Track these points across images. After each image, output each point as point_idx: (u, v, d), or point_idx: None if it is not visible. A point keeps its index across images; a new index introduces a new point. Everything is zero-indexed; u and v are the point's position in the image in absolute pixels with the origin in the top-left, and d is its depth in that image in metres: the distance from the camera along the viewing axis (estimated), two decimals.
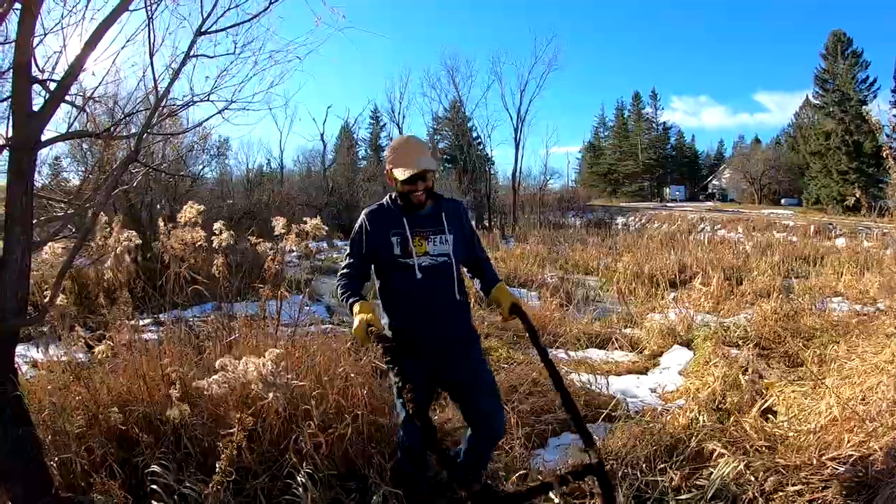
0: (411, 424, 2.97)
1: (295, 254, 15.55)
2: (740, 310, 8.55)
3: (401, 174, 2.80)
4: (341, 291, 2.86)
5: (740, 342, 5.88)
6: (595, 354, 6.22)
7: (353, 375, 3.86)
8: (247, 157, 56.44)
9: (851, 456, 3.03)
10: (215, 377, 2.84)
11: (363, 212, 3.03)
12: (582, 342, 6.57)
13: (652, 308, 9.04)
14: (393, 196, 2.98)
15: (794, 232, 24.26)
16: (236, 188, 28.52)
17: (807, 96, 48.63)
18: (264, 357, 2.95)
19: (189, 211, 4.32)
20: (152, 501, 2.82)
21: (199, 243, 4.33)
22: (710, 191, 57.40)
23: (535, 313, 7.55)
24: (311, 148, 48.78)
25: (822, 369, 4.78)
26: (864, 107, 38.77)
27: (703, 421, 3.71)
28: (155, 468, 2.91)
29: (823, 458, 3.09)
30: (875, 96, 42.13)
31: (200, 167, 19.02)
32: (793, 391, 4.27)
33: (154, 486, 2.84)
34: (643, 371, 5.79)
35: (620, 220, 37.84)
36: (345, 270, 2.95)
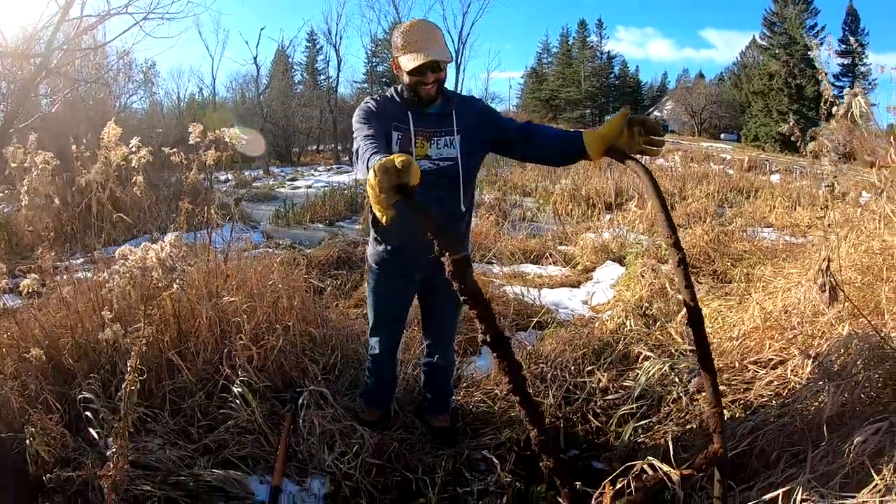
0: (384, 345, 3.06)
1: (231, 183, 15.09)
2: None
3: (408, 62, 2.46)
4: (370, 152, 2.14)
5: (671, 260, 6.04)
6: (529, 269, 6.33)
7: (283, 288, 3.82)
8: (178, 86, 53.36)
9: (772, 360, 3.18)
10: (114, 266, 2.68)
11: (367, 98, 2.65)
12: (517, 257, 6.65)
13: (587, 228, 9.20)
14: (399, 88, 2.65)
15: (730, 165, 24.85)
16: (168, 119, 26.88)
17: (753, 37, 49.30)
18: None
19: (111, 131, 4.03)
20: (89, 429, 2.71)
21: (120, 163, 4.04)
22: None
23: (472, 229, 7.64)
24: (244, 73, 46.42)
25: (748, 286, 4.97)
26: (809, 52, 39.37)
27: (631, 326, 3.83)
28: (86, 394, 2.79)
29: (745, 361, 3.23)
30: (821, 43, 42.93)
31: (127, 96, 17.90)
32: (719, 304, 4.42)
33: (87, 414, 2.73)
34: (576, 284, 5.92)
35: None
36: (367, 142, 2.28)
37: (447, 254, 1.54)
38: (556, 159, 2.59)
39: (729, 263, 6.00)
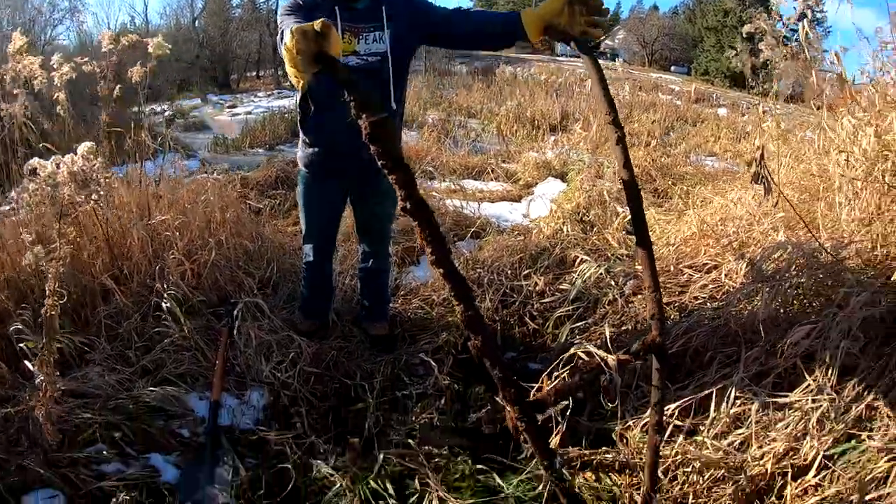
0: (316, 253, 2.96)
1: (168, 113, 14.42)
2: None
3: None
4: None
5: (613, 176, 6.01)
6: (470, 185, 6.22)
7: (217, 203, 3.70)
8: (108, 16, 49.67)
9: (707, 265, 3.19)
10: (24, 183, 2.45)
11: None
12: (459, 173, 6.54)
13: (531, 148, 9.14)
14: None
15: (679, 96, 25.01)
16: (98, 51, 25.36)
17: None
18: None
19: (16, 42, 3.64)
20: (25, 361, 2.52)
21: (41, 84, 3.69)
22: (601, 49, 57.78)
23: (412, 146, 7.44)
24: None
25: (687, 202, 5.01)
26: None
27: (567, 231, 3.80)
28: (18, 326, 2.59)
29: (681, 266, 3.24)
30: None
31: (52, 28, 16.64)
32: (657, 215, 4.44)
33: (21, 346, 2.54)
34: (517, 199, 5.88)
35: (508, 69, 37.42)
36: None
37: (364, 116, 1.40)
38: (493, 41, 2.45)
39: (670, 182, 6.02)
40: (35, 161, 2.24)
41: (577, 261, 3.37)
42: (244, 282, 3.41)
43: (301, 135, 2.74)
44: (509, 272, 3.43)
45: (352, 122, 1.43)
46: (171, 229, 3.29)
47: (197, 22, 34.48)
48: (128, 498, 1.98)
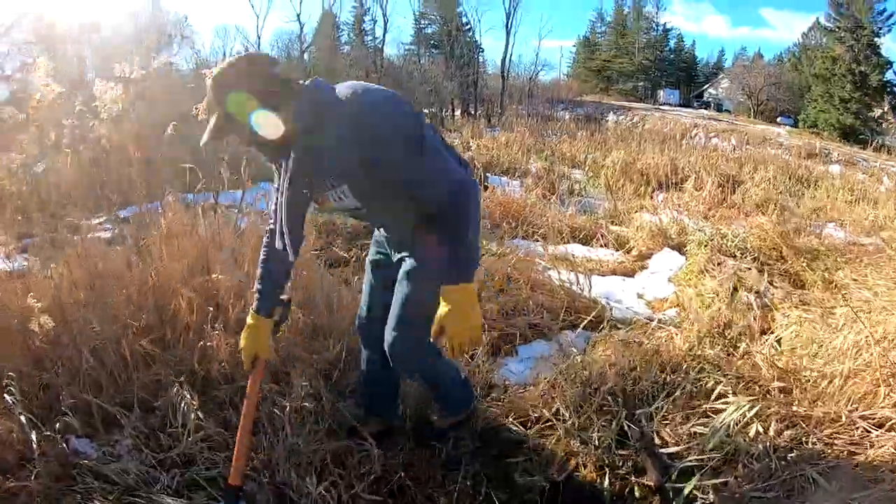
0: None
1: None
2: (732, 220, 7.95)
3: None
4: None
5: (738, 253, 5.16)
6: (577, 250, 5.51)
7: None
8: (224, 44, 52.29)
9: (890, 419, 2.37)
10: None
11: None
12: (564, 236, 5.85)
13: (640, 207, 8.36)
14: None
15: (789, 150, 23.39)
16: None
17: (817, 18, 46.54)
18: None
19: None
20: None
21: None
22: (705, 99, 55.38)
23: (514, 200, 6.82)
24: (291, 32, 44.92)
25: (828, 295, 4.15)
26: (876, 38, 37.67)
27: (706, 351, 3.00)
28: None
29: (854, 414, 2.43)
30: (889, 30, 40.38)
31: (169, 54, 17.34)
32: (800, 316, 3.61)
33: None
34: (629, 273, 5.11)
35: (612, 117, 36.24)
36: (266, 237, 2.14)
37: None
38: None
39: (804, 263, 5.11)
40: None
41: (716, 394, 2.59)
42: (306, 360, 2.84)
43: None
44: (628, 391, 2.71)
45: None
46: (226, 291, 2.80)
47: (306, 55, 35.44)
48: None
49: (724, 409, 2.43)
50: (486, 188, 7.49)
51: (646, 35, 59.97)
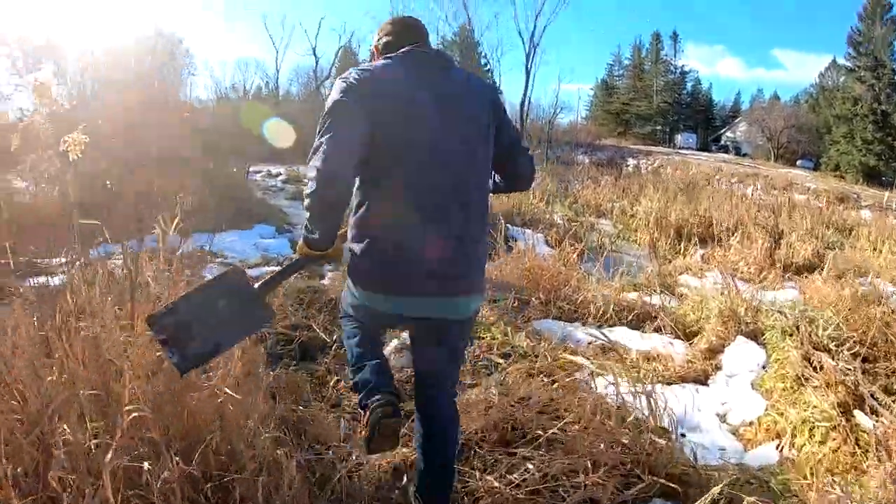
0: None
1: (282, 177, 13.80)
2: (781, 281, 6.89)
3: None
4: None
5: (833, 346, 3.96)
6: (629, 337, 4.32)
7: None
8: (244, 78, 52.58)
9: None
10: None
11: None
12: (610, 317, 4.72)
13: (685, 268, 7.24)
14: None
15: (817, 195, 22.20)
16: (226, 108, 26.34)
17: (833, 58, 46.12)
18: None
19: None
20: None
21: None
22: (723, 142, 54.24)
23: (545, 269, 5.47)
24: (309, 66, 45.27)
25: None
26: None
27: None
28: None
29: None
30: None
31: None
32: None
33: None
34: (701, 378, 3.89)
35: (632, 161, 35.16)
36: None
37: None
38: None
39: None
40: None
41: None
42: None
43: None
44: None
45: None
46: None
47: (321, 89, 35.02)
48: None
49: None
50: (509, 248, 6.15)
51: (663, 78, 59.46)
